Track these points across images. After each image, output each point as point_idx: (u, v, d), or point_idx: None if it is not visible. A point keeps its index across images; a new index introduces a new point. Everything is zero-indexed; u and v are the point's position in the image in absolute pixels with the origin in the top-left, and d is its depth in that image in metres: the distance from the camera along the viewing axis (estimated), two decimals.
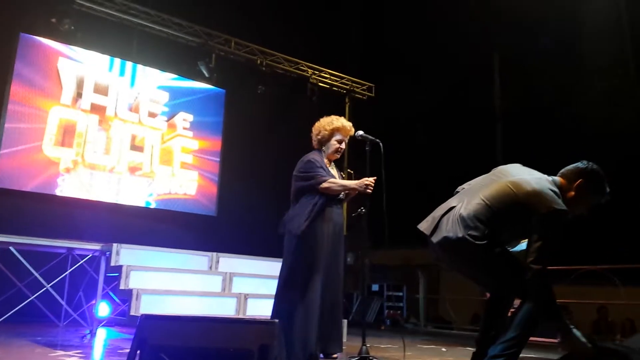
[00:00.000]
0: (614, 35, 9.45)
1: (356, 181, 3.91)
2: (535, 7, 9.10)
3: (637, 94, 9.24)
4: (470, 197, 2.91)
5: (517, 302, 2.88)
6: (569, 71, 9.64)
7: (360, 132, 3.95)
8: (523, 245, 2.94)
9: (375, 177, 3.83)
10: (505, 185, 2.84)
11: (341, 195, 4.06)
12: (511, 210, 2.79)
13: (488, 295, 5.72)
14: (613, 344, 3.23)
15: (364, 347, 3.59)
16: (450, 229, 2.81)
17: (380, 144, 3.87)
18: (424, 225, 2.99)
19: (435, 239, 2.88)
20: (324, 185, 3.86)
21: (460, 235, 2.76)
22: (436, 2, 10.69)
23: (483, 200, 2.82)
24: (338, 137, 4.09)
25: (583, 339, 2.67)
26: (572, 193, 2.89)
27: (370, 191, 3.82)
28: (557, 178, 2.93)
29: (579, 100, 9.54)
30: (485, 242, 2.74)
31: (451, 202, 2.99)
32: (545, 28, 9.72)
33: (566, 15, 9.39)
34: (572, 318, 7.45)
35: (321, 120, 4.18)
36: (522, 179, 2.85)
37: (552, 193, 2.75)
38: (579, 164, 2.93)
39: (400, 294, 10.49)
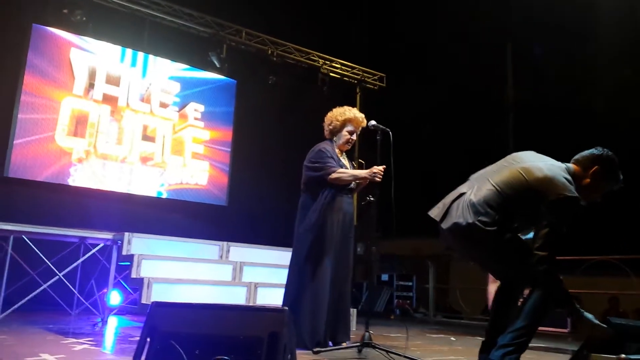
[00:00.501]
0: (626, 26, 9.33)
1: (365, 170, 3.92)
2: None
3: None
4: (481, 183, 2.89)
5: (527, 291, 2.87)
6: (581, 62, 9.55)
7: (373, 122, 3.95)
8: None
9: (384, 166, 3.84)
10: (517, 171, 2.82)
11: (352, 185, 4.07)
12: (522, 196, 2.76)
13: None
14: (630, 321, 3.19)
15: (367, 333, 3.60)
16: (460, 214, 2.79)
17: (390, 133, 3.86)
18: (435, 212, 2.98)
19: (445, 225, 2.86)
20: (334, 175, 3.88)
21: (470, 221, 2.74)
22: None
23: (494, 186, 2.80)
24: (349, 128, 4.11)
25: (596, 321, 2.65)
26: (587, 180, 2.86)
27: (379, 179, 3.83)
28: (570, 165, 2.90)
29: (591, 91, 9.45)
30: (495, 228, 2.72)
31: (461, 188, 2.97)
32: (557, 18, 9.62)
33: (579, 6, 9.27)
34: (582, 306, 7.43)
35: (334, 110, 4.19)
36: (534, 165, 2.82)
37: (564, 180, 2.72)
38: (594, 151, 2.90)
39: (410, 283, 10.48)
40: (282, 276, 5.80)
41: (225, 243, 6.13)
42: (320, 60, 9.48)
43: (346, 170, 3.97)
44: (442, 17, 11.06)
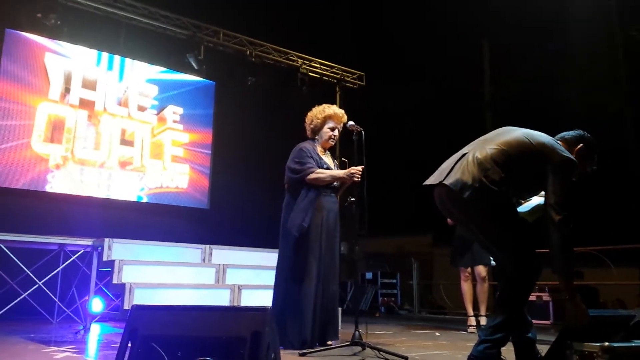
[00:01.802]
0: (601, 21, 9.47)
1: (343, 171, 3.94)
2: None
3: (623, 79, 9.28)
4: (484, 144, 2.84)
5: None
6: (557, 58, 9.67)
7: (351, 123, 3.97)
8: (526, 206, 2.98)
9: (362, 166, 3.86)
10: (521, 134, 2.83)
11: (335, 184, 4.09)
12: (526, 157, 2.75)
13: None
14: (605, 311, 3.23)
15: (357, 332, 3.61)
16: (465, 170, 2.70)
17: (362, 132, 3.88)
18: (432, 179, 2.87)
19: (448, 180, 2.72)
20: (312, 176, 3.90)
21: (476, 176, 2.66)
22: None
23: (499, 146, 2.77)
24: (330, 124, 4.13)
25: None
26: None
27: (357, 179, 3.86)
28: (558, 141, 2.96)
29: (567, 87, 9.58)
30: (501, 189, 2.66)
31: (462, 151, 2.89)
32: (532, 15, 9.72)
33: (554, 1, 9.39)
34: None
35: (313, 109, 4.21)
36: (534, 132, 2.88)
37: (561, 147, 2.80)
38: (579, 131, 2.99)
39: (394, 281, 10.52)
40: (266, 277, 5.80)
41: (207, 246, 6.10)
42: (299, 60, 9.47)
43: (324, 171, 3.97)
44: (420, 15, 11.12)
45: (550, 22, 9.63)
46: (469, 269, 5.61)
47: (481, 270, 5.51)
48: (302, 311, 3.77)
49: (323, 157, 4.13)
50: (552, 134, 2.93)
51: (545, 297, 7.26)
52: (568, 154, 2.76)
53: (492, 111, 11.49)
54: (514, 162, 2.74)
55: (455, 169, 2.77)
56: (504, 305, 2.69)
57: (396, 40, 11.68)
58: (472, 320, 5.60)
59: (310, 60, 9.63)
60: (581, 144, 2.93)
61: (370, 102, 10.51)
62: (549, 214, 2.63)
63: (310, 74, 9.50)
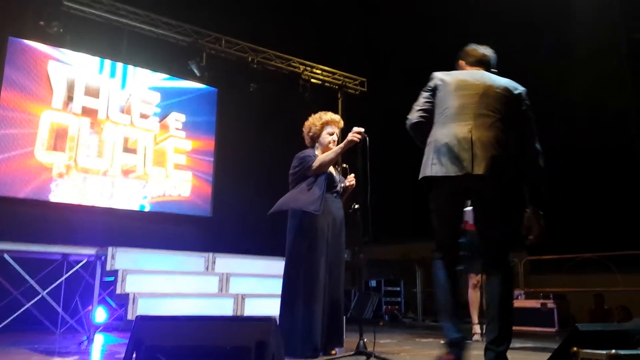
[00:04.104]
0: (604, 21, 9.46)
1: (344, 141, 3.85)
2: None
3: (628, 80, 9.26)
4: (481, 117, 2.78)
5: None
6: (559, 61, 9.65)
7: (359, 129, 3.94)
8: None
9: (363, 129, 3.80)
10: (499, 91, 2.86)
11: (338, 188, 4.07)
12: (510, 109, 2.84)
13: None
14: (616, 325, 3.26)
15: (361, 341, 3.58)
16: (491, 153, 2.67)
17: (367, 138, 3.85)
18: (451, 169, 2.71)
19: (479, 170, 2.65)
20: (315, 164, 3.87)
21: (504, 158, 2.70)
22: None
23: (495, 114, 2.79)
24: (329, 129, 4.13)
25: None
26: None
27: (358, 139, 3.76)
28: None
29: (569, 90, 9.55)
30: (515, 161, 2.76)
31: (459, 134, 2.76)
32: (534, 17, 9.72)
33: (554, 5, 9.38)
34: (569, 304, 7.49)
35: (310, 118, 4.23)
36: (495, 78, 2.94)
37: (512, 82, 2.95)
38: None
39: (398, 288, 10.49)
40: (270, 286, 5.78)
41: (210, 254, 6.07)
42: (301, 66, 9.48)
43: (325, 154, 3.94)
44: (421, 20, 11.12)
45: (553, 24, 9.61)
46: (478, 276, 5.52)
47: None
48: (310, 320, 3.73)
49: None
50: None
51: (550, 304, 7.23)
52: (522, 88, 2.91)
53: None
54: (507, 120, 2.80)
55: (480, 156, 2.68)
56: (503, 315, 2.67)
57: (398, 46, 11.68)
58: (477, 329, 5.52)
59: (312, 67, 9.64)
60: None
61: (372, 108, 10.49)
62: (537, 148, 2.82)
63: (312, 80, 9.51)
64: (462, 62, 3.17)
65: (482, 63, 3.08)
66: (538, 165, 2.80)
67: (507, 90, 2.86)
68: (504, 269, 2.74)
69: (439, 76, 3.00)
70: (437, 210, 2.87)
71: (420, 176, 2.87)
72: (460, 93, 2.86)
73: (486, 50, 3.14)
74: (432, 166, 2.76)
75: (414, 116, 3.02)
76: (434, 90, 2.98)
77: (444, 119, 2.84)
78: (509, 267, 2.77)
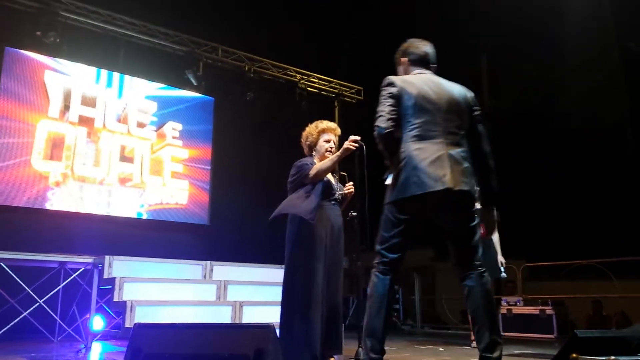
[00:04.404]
0: (597, 32, 9.52)
1: (340, 149, 3.85)
2: (519, 7, 9.16)
3: (621, 88, 9.32)
4: (452, 135, 2.86)
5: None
6: (555, 69, 9.70)
7: (355, 137, 3.95)
8: None
9: (359, 137, 3.81)
10: (460, 108, 2.93)
11: (337, 196, 4.07)
12: (468, 120, 2.96)
13: None
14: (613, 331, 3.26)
15: (360, 349, 3.58)
16: (466, 172, 2.80)
17: (364, 147, 3.86)
18: (435, 184, 2.71)
19: (464, 186, 2.74)
20: (312, 172, 3.87)
21: (472, 177, 2.83)
22: (423, 4, 10.73)
23: (460, 130, 2.89)
24: (325, 137, 4.14)
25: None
26: None
27: (354, 147, 3.77)
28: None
29: (565, 97, 9.60)
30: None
31: (437, 148, 2.79)
32: (530, 27, 9.78)
33: (550, 14, 9.45)
34: (567, 310, 7.50)
35: (307, 128, 4.23)
36: (453, 90, 3.00)
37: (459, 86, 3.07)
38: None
39: (396, 296, 10.47)
40: (267, 294, 5.77)
41: (208, 262, 6.07)
42: (297, 75, 9.51)
43: (322, 162, 3.95)
44: (418, 29, 11.18)
45: (548, 34, 9.68)
46: None
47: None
48: (310, 327, 3.72)
49: None
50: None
51: (549, 310, 7.22)
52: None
53: (492, 123, 11.51)
54: (468, 132, 2.94)
55: (456, 170, 2.75)
56: (494, 317, 2.72)
57: (395, 55, 11.73)
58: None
59: (309, 75, 9.67)
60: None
61: (369, 117, 10.51)
62: (487, 149, 2.93)
63: (308, 89, 9.53)
64: (404, 60, 3.17)
65: (426, 62, 3.12)
66: (489, 165, 2.92)
67: (463, 99, 2.97)
68: (479, 273, 2.78)
69: (398, 83, 2.95)
70: (402, 222, 2.89)
71: (400, 196, 2.80)
72: (426, 107, 2.87)
73: (427, 47, 3.16)
74: (414, 185, 2.74)
75: (386, 125, 2.87)
76: (397, 99, 2.92)
77: (415, 136, 2.83)
78: (484, 271, 2.81)
